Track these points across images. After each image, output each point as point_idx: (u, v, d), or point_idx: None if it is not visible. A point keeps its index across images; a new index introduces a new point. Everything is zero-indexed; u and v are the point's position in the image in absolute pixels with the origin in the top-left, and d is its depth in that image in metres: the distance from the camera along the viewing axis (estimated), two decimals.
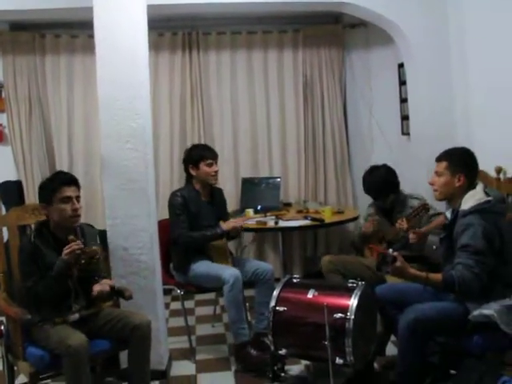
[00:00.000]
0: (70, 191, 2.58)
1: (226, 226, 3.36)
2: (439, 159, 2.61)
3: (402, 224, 3.19)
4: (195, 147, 3.53)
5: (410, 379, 2.49)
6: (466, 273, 2.35)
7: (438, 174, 2.60)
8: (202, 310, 4.34)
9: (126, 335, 2.59)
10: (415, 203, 3.30)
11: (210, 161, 3.40)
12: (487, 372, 2.16)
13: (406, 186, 3.75)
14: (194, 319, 4.15)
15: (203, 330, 3.93)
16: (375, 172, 3.47)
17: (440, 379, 2.60)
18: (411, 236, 3.08)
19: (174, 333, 3.76)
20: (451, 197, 2.58)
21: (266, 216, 4.08)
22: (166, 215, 3.60)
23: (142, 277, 3.03)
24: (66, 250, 2.46)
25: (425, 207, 3.16)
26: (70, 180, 2.62)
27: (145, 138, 3.03)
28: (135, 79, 2.98)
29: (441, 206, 3.25)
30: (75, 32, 4.70)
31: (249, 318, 3.65)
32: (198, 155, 3.40)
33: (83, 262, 2.49)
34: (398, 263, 2.40)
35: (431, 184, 2.63)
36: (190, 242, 3.32)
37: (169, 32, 4.81)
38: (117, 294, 2.68)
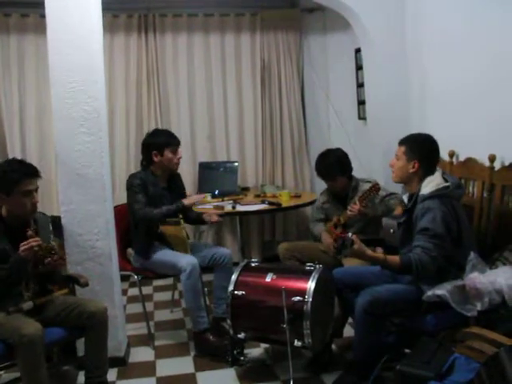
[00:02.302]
0: (31, 184, 2.50)
1: (187, 201, 3.34)
2: (400, 143, 2.63)
3: (354, 207, 3.19)
4: (159, 132, 3.45)
5: (367, 359, 2.52)
6: (424, 256, 2.38)
7: (396, 157, 2.63)
8: (160, 296, 4.31)
9: (82, 323, 2.54)
10: (367, 187, 3.31)
11: (175, 147, 3.35)
12: (440, 349, 2.20)
13: (362, 171, 3.80)
14: (153, 305, 4.12)
15: (162, 315, 3.90)
16: (328, 154, 3.47)
17: (396, 358, 2.65)
18: (349, 208, 3.14)
19: (132, 319, 3.72)
20: (406, 181, 2.62)
21: (223, 200, 4.09)
22: (122, 200, 3.55)
23: (98, 263, 2.98)
24: (23, 247, 2.38)
25: (375, 187, 3.17)
26: (33, 172, 2.52)
27: (99, 121, 2.95)
28: (89, 61, 2.90)
29: (397, 188, 3.30)
30: (26, 11, 4.51)
31: (207, 302, 3.64)
32: (163, 141, 3.33)
33: (40, 256, 2.41)
34: (356, 246, 2.42)
35: (390, 166, 2.66)
36: (150, 217, 3.23)
37: (124, 14, 4.69)
38: (72, 280, 2.62)
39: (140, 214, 3.22)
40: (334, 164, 3.40)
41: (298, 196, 4.37)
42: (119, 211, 3.39)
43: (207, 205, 4.03)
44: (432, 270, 2.40)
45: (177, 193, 3.48)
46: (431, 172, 2.56)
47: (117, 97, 4.73)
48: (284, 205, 4.08)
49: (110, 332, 2.67)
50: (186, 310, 3.48)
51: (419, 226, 2.45)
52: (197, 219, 3.56)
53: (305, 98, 5.12)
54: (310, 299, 2.57)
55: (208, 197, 4.15)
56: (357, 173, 3.58)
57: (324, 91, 5.06)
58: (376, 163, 4.00)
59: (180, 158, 3.39)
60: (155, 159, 3.34)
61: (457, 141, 3.21)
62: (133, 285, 4.36)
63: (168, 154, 3.33)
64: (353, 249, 2.42)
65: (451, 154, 3.25)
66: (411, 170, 2.56)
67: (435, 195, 2.46)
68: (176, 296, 4.10)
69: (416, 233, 2.46)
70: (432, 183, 2.50)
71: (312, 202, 4.25)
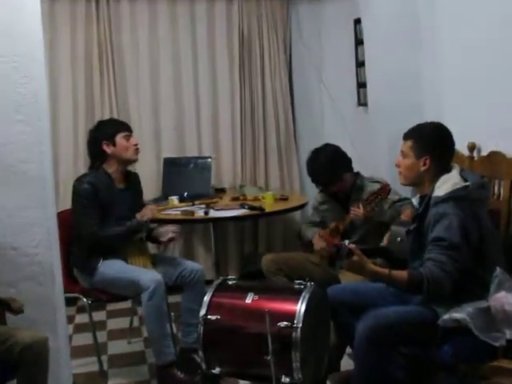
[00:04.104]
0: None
1: (140, 215, 3.33)
2: (406, 137, 2.64)
3: (357, 211, 3.23)
4: (104, 123, 3.54)
5: None
6: (437, 270, 2.37)
7: (403, 154, 2.63)
8: (116, 323, 4.28)
9: (13, 359, 2.46)
10: (375, 188, 3.34)
11: (126, 133, 3.39)
12: None
13: (363, 168, 3.78)
14: (106, 335, 4.10)
15: (117, 347, 3.88)
16: (319, 155, 3.53)
17: None
18: (352, 210, 3.19)
19: (79, 353, 3.69)
20: (418, 182, 2.62)
21: (193, 205, 4.06)
22: (67, 205, 3.51)
23: (38, 283, 2.93)
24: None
25: (384, 189, 3.20)
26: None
27: (38, 107, 2.90)
28: (22, 33, 2.83)
29: (408, 192, 3.31)
30: None
31: (174, 330, 3.63)
32: (111, 129, 3.38)
33: None
34: (355, 257, 2.40)
35: (396, 166, 2.66)
36: (100, 243, 3.28)
37: None
38: (2, 306, 2.56)
39: (88, 239, 3.26)
40: (329, 166, 3.46)
41: (284, 199, 4.37)
42: (64, 219, 3.34)
43: (173, 210, 3.99)
44: (447, 289, 2.39)
45: (134, 195, 3.49)
46: (446, 169, 2.56)
47: (60, 77, 4.67)
48: (268, 209, 4.09)
49: (51, 370, 2.61)
50: (148, 339, 3.46)
51: (432, 234, 2.44)
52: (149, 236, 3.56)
53: (293, 80, 5.12)
54: (300, 325, 2.52)
55: (175, 200, 4.11)
56: (357, 167, 3.60)
57: (316, 72, 5.04)
58: (380, 159, 4.00)
59: (136, 144, 3.41)
60: (108, 151, 3.34)
61: (479, 130, 3.21)
62: (81, 310, 4.29)
63: (121, 141, 3.35)
64: (350, 261, 2.40)
65: (471, 147, 3.23)
66: (422, 169, 2.56)
67: (451, 197, 2.45)
68: (135, 323, 4.08)
69: (428, 243, 2.45)
70: (447, 183, 2.50)
71: (302, 206, 4.30)
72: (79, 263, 3.38)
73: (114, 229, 3.28)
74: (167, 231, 3.47)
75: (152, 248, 4.07)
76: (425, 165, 2.56)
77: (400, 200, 3.39)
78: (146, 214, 3.35)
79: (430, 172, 2.57)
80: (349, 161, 3.58)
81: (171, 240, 3.49)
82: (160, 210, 3.75)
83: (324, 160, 3.49)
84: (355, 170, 3.63)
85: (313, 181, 3.61)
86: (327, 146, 3.60)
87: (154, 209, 3.43)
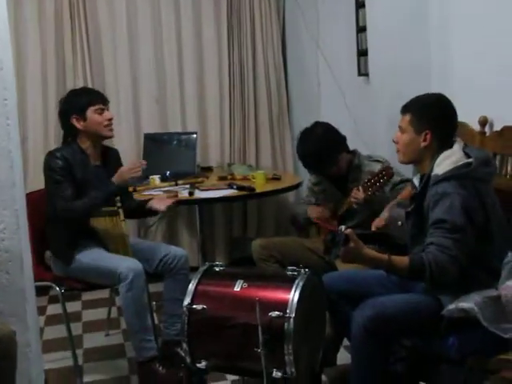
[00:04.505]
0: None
1: (118, 177, 3.29)
2: (404, 110, 2.63)
3: (357, 194, 3.25)
4: (75, 92, 3.47)
5: None
6: (440, 255, 2.37)
7: (401, 129, 2.62)
8: (92, 314, 4.29)
9: None
10: (376, 168, 3.36)
11: (100, 106, 3.34)
12: (466, 382, 2.20)
13: (363, 145, 3.79)
14: (81, 327, 4.11)
15: (93, 340, 3.89)
16: (307, 137, 3.55)
17: None
18: (353, 193, 3.21)
19: (51, 347, 3.70)
20: (418, 159, 2.62)
21: (177, 185, 4.09)
22: (38, 185, 3.50)
23: (4, 271, 2.90)
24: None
25: (387, 172, 3.20)
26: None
27: (2, 75, 2.85)
28: None
29: (409, 171, 3.32)
30: None
31: (156, 321, 3.66)
32: (82, 101, 3.32)
33: None
34: (352, 243, 2.39)
35: (394, 142, 2.66)
36: (75, 214, 3.23)
37: None
38: None
39: (63, 213, 3.22)
40: (321, 148, 3.48)
41: (276, 178, 4.39)
42: (34, 200, 3.33)
43: (154, 190, 4.02)
44: (453, 275, 2.39)
45: (113, 172, 3.41)
46: (448, 144, 2.56)
47: (26, 41, 4.65)
48: (258, 190, 4.11)
49: (20, 366, 2.59)
50: (127, 332, 3.46)
51: (432, 216, 2.45)
52: (138, 210, 3.54)
53: (286, 47, 5.15)
54: (293, 314, 2.53)
55: (156, 180, 4.12)
56: (355, 145, 3.63)
57: (312, 38, 5.01)
58: (382, 135, 3.98)
59: (111, 119, 3.37)
60: (78, 126, 3.31)
61: (491, 103, 3.18)
62: (54, 300, 4.29)
63: (93, 115, 3.31)
64: (346, 248, 2.39)
65: (483, 122, 3.21)
66: (423, 144, 2.56)
67: (452, 176, 2.45)
68: (113, 313, 4.07)
69: (429, 226, 2.46)
70: (448, 160, 2.50)
71: (296, 186, 4.33)
72: (55, 249, 3.37)
73: (89, 195, 3.24)
74: (164, 199, 3.50)
75: (134, 231, 4.09)
76: (425, 140, 2.55)
77: (402, 181, 3.41)
78: (124, 171, 3.31)
79: (430, 148, 2.56)
80: (342, 140, 3.59)
81: (164, 208, 3.46)
82: (140, 191, 3.76)
83: (313, 144, 3.50)
84: (352, 148, 3.65)
85: (304, 167, 3.65)
86: (316, 125, 3.60)
87: (133, 169, 3.34)
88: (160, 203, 3.45)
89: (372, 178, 3.23)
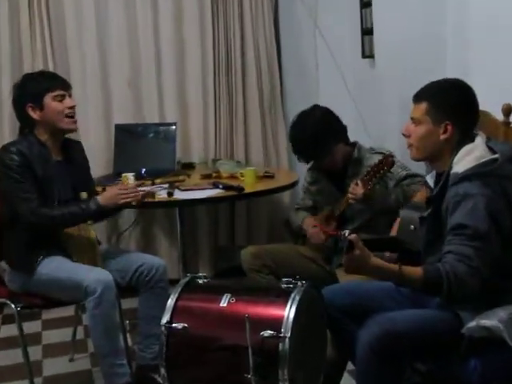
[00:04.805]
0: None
1: (103, 198, 3.25)
2: (417, 98, 2.61)
3: (356, 190, 3.27)
4: (31, 77, 3.43)
5: None
6: (460, 266, 2.35)
7: (414, 120, 2.60)
8: (54, 336, 4.26)
9: None
10: (376, 160, 3.36)
11: (59, 92, 3.30)
12: None
13: (367, 137, 3.79)
14: (41, 351, 4.08)
15: (55, 367, 3.85)
16: (303, 121, 3.57)
17: None
18: (350, 189, 3.25)
19: (4, 376, 3.69)
20: (436, 155, 2.59)
21: (153, 184, 4.08)
22: None
23: None
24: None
25: (387, 161, 3.22)
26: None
27: None
28: None
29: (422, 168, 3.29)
30: None
31: (129, 343, 3.64)
32: (38, 86, 3.29)
33: None
34: (357, 251, 2.35)
35: (405, 135, 2.63)
36: (50, 223, 3.22)
37: None
38: None
39: (33, 219, 3.18)
40: (310, 141, 3.50)
41: (269, 176, 4.39)
42: None
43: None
44: (474, 288, 2.37)
45: (78, 169, 3.45)
46: (469, 138, 2.55)
47: None
48: (248, 190, 4.08)
49: None
50: (96, 356, 3.43)
51: (451, 221, 2.42)
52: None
53: (279, 24, 5.15)
54: (289, 334, 2.52)
55: (129, 178, 4.09)
56: (357, 137, 3.64)
57: (310, 14, 5.02)
58: (390, 126, 4.00)
59: (73, 107, 3.33)
60: (34, 116, 3.28)
61: None
62: (8, 319, 4.31)
63: (51, 102, 3.27)
64: (350, 255, 2.35)
65: (507, 110, 3.19)
66: (443, 137, 2.54)
67: (475, 174, 2.44)
68: (79, 335, 4.04)
69: (447, 232, 2.44)
70: (470, 156, 2.48)
71: (291, 185, 4.31)
72: (12, 258, 3.33)
73: (60, 209, 3.21)
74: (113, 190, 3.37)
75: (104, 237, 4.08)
76: (445, 132, 2.53)
77: (408, 176, 3.42)
78: (111, 194, 3.28)
79: (451, 142, 2.54)
80: (342, 129, 3.62)
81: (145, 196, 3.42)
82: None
83: (310, 126, 3.52)
84: (353, 140, 3.67)
85: (295, 153, 3.66)
86: (315, 108, 3.63)
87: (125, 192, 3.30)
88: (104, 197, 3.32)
89: (371, 170, 3.26)
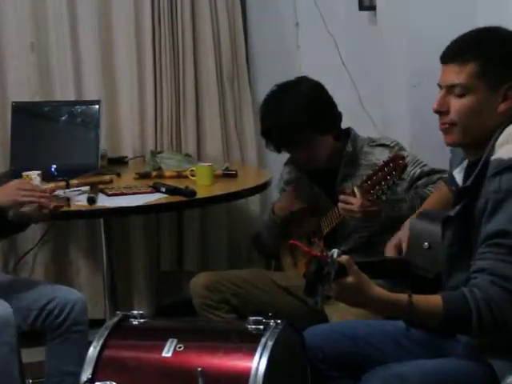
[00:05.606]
0: None
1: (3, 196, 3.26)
2: (456, 58, 2.56)
3: (350, 202, 3.29)
4: None
5: None
6: (497, 291, 2.36)
7: (453, 89, 2.56)
8: None
9: None
10: (382, 156, 3.42)
11: None
12: None
13: (369, 121, 3.79)
14: None
15: None
16: (287, 92, 3.61)
17: None
18: (341, 199, 3.29)
19: None
20: (486, 136, 2.56)
21: (68, 186, 4.07)
22: None
23: None
24: None
25: (396, 161, 3.25)
26: None
27: None
28: None
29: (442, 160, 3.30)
30: None
31: None
32: None
33: None
34: (350, 278, 2.37)
35: (440, 112, 2.59)
36: None
37: None
38: None
39: None
40: (292, 121, 3.53)
41: (230, 175, 4.43)
42: None
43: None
44: None
45: None
46: None
47: None
48: (202, 194, 4.09)
49: None
50: None
51: (489, 226, 2.43)
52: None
53: None
54: None
55: (34, 178, 4.10)
56: (356, 124, 3.67)
57: None
58: (396, 102, 4.09)
59: None
60: None
61: None
62: None
63: None
64: (343, 284, 2.36)
65: None
66: (502, 108, 2.53)
67: None
68: None
69: (480, 242, 2.45)
70: None
71: (261, 187, 4.33)
72: None
73: None
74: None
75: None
76: (506, 99, 2.52)
77: (424, 175, 3.46)
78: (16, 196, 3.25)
79: (507, 114, 2.54)
80: (335, 116, 3.65)
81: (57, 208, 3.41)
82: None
83: (295, 103, 3.55)
84: (344, 127, 3.70)
85: (266, 138, 3.69)
86: (302, 81, 3.67)
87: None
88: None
89: (374, 174, 3.27)
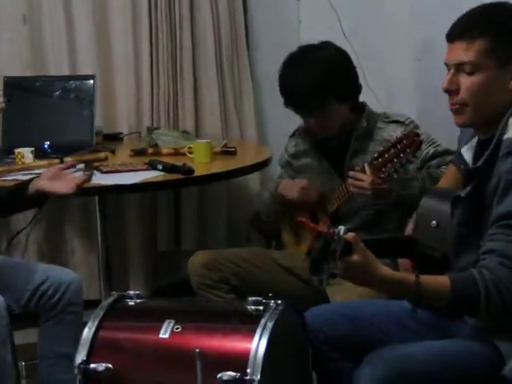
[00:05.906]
0: None
1: (35, 184, 3.27)
2: (470, 32, 2.55)
3: (361, 178, 3.29)
4: None
5: None
6: (506, 272, 2.36)
7: (462, 67, 2.56)
8: None
9: None
10: (395, 132, 3.43)
11: None
12: None
13: (373, 97, 3.76)
14: None
15: None
16: (312, 55, 3.60)
17: None
18: (351, 175, 3.29)
19: None
20: (497, 115, 2.55)
21: (62, 163, 3.96)
22: None
23: None
24: None
25: (410, 139, 3.24)
26: None
27: None
28: None
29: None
30: None
31: None
32: None
33: None
34: (356, 256, 2.36)
35: (450, 91, 2.58)
36: None
37: None
38: None
39: None
40: (320, 79, 3.51)
41: (229, 152, 4.42)
42: None
43: (23, 173, 3.96)
44: None
45: None
46: None
47: None
48: (200, 172, 4.09)
49: None
50: None
51: (500, 207, 2.43)
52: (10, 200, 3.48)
53: None
54: (258, 377, 2.51)
55: (27, 155, 4.13)
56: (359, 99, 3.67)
57: None
58: (400, 75, 4.08)
59: None
60: None
61: None
62: None
63: None
64: (348, 262, 2.36)
65: None
66: None
67: None
68: None
69: (491, 222, 2.44)
70: None
71: (262, 165, 4.32)
72: None
73: None
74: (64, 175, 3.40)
75: None
76: None
77: (438, 154, 3.46)
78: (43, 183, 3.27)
79: None
80: (356, 87, 3.65)
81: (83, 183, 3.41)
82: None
83: (311, 67, 3.54)
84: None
85: (288, 103, 3.64)
86: (327, 45, 3.66)
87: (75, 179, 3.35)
88: (61, 183, 3.34)
89: (386, 151, 3.27)
